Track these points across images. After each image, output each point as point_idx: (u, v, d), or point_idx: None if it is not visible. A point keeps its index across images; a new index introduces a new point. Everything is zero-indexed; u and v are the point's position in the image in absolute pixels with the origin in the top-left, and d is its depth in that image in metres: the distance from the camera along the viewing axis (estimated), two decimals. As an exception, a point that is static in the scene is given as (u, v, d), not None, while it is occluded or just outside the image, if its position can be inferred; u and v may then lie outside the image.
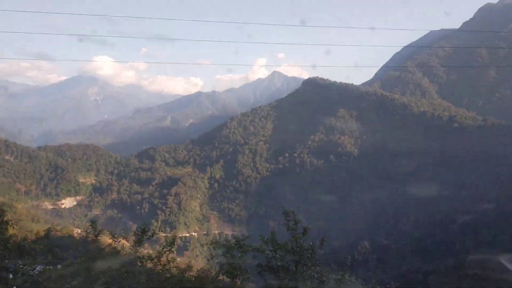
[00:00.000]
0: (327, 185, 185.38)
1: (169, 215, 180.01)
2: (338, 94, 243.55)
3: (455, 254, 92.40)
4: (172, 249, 13.07)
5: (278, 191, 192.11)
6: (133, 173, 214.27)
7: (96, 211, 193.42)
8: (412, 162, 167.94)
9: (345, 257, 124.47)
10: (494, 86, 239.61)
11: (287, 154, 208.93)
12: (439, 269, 74.31)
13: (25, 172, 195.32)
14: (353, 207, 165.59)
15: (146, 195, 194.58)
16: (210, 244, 13.70)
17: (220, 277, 14.05)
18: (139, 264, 12.64)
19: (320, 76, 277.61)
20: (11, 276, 13.08)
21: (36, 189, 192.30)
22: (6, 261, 12.41)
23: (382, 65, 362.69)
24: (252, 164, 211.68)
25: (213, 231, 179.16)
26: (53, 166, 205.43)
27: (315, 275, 11.86)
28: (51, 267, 14.09)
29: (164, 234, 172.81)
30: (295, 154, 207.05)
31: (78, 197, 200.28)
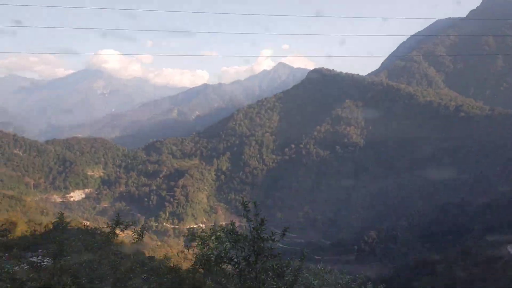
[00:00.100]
0: (333, 175, 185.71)
1: (176, 207, 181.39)
2: (344, 84, 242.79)
3: (462, 243, 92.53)
4: (141, 240, 13.41)
5: (285, 183, 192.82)
6: (141, 165, 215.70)
7: (104, 204, 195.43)
8: (419, 152, 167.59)
9: (352, 247, 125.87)
10: (502, 75, 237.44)
11: (293, 146, 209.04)
12: (447, 258, 74.43)
13: (33, 165, 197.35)
14: (359, 197, 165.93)
15: (154, 188, 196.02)
16: (187, 236, 14.02)
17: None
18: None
19: (325, 67, 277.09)
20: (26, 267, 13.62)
21: (45, 182, 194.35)
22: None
23: (388, 55, 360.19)
24: (258, 155, 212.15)
25: (221, 223, 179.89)
26: (62, 159, 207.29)
27: (274, 266, 12.24)
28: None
29: (172, 226, 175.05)
30: (301, 145, 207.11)
31: (86, 190, 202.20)
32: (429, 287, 61.90)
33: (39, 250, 29.56)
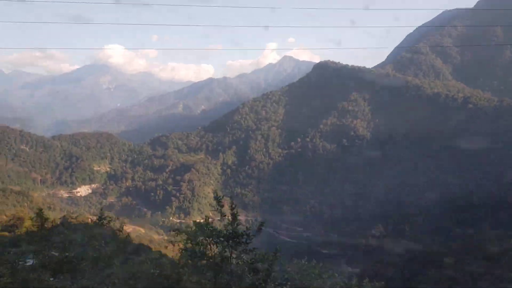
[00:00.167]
0: (340, 169, 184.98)
1: (183, 201, 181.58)
2: (350, 77, 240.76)
3: (471, 236, 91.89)
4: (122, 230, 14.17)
5: (291, 176, 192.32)
6: (147, 160, 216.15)
7: (111, 199, 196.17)
8: (426, 144, 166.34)
9: (359, 240, 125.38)
10: (510, 66, 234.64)
11: (299, 139, 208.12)
12: (455, 251, 73.85)
13: (40, 161, 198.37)
14: (366, 191, 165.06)
15: (160, 182, 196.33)
16: (173, 231, 14.06)
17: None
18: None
19: (331, 60, 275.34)
20: (32, 262, 13.73)
21: (52, 178, 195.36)
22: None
23: (394, 47, 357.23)
24: (264, 149, 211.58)
25: (227, 217, 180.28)
26: (68, 154, 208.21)
27: (248, 261, 12.08)
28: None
29: (178, 221, 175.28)
30: (307, 139, 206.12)
31: (93, 185, 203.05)
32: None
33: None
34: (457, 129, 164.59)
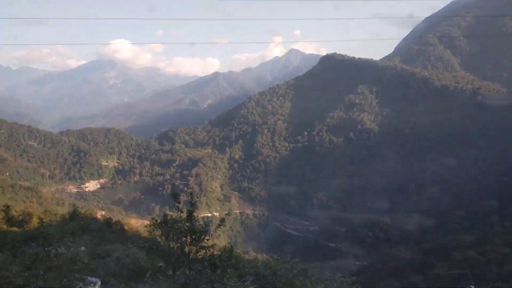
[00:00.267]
0: (347, 162, 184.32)
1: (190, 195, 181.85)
2: (357, 70, 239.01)
3: (478, 229, 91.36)
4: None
5: (298, 170, 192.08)
6: (154, 155, 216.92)
7: (119, 194, 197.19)
8: (434, 137, 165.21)
9: (367, 234, 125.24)
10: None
11: (306, 133, 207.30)
12: (462, 244, 73.43)
13: (48, 157, 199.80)
14: (373, 184, 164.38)
15: (168, 177, 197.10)
16: (149, 226, 14.28)
17: None
18: None
19: (338, 52, 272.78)
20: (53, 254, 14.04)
21: (60, 173, 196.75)
22: None
23: (402, 38, 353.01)
24: (271, 143, 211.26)
25: (234, 211, 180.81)
26: (76, 150, 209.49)
27: (206, 257, 12.18)
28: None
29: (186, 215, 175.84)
30: (314, 132, 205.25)
31: (101, 180, 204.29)
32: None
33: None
34: (466, 121, 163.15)
